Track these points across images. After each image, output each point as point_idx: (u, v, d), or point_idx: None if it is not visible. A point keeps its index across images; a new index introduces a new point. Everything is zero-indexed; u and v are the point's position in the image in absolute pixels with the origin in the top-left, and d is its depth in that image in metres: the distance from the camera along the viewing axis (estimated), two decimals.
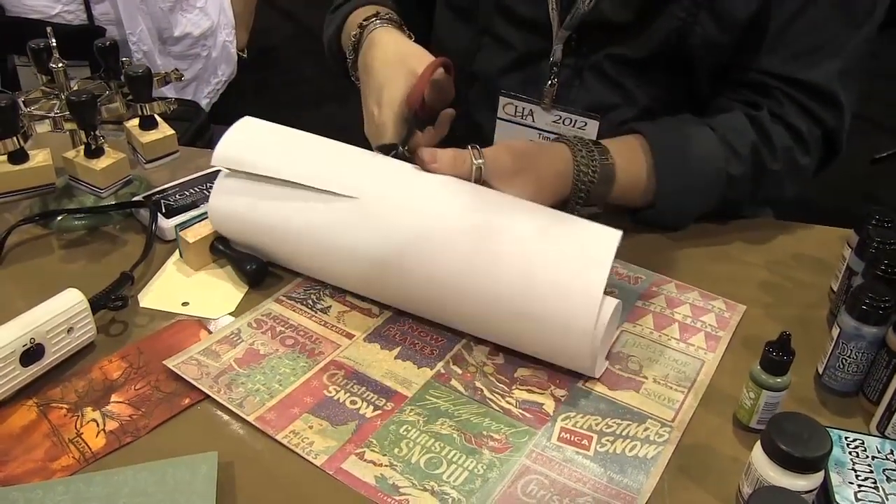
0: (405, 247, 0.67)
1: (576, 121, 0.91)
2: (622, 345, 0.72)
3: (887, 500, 0.56)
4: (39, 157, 0.83)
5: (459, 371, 0.68)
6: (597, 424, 0.64)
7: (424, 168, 0.71)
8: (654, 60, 0.87)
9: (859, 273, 0.71)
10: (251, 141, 0.75)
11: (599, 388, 0.67)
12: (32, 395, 0.65)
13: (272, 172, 0.72)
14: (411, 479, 0.58)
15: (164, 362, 0.65)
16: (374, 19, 0.88)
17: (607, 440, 0.63)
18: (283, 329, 0.70)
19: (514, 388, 0.67)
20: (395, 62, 0.81)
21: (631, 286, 0.79)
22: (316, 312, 0.73)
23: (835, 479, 0.57)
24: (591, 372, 0.67)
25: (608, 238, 0.66)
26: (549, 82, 0.90)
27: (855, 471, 0.58)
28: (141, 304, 0.75)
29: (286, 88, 2.82)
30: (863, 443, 0.60)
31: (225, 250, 0.78)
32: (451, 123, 0.83)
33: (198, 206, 0.85)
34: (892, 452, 0.60)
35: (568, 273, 0.65)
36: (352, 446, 0.60)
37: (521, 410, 0.65)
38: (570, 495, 0.58)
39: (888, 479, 0.57)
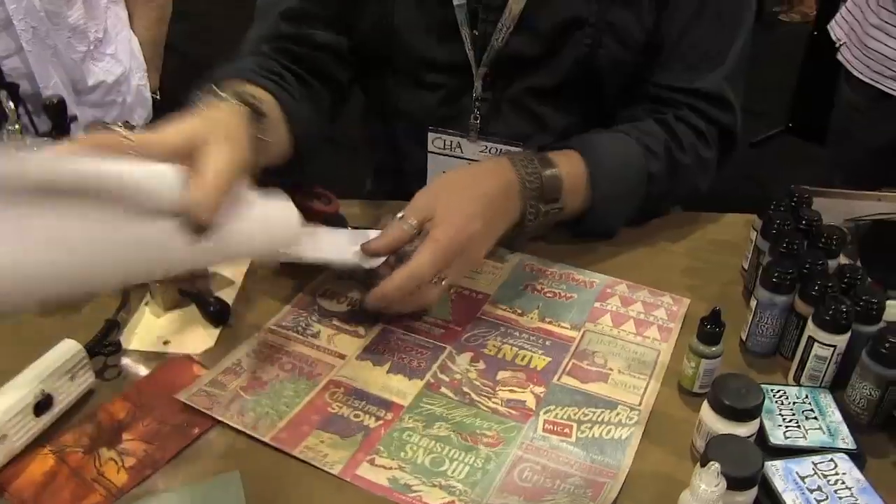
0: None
1: (500, 149, 1.04)
2: (587, 343, 0.83)
3: (807, 433, 0.72)
4: None
5: (447, 379, 0.78)
6: (575, 414, 0.75)
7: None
8: (567, 87, 1.00)
9: (766, 251, 0.86)
10: None
11: (573, 383, 0.78)
12: (45, 444, 0.71)
13: None
14: (420, 478, 0.68)
15: (176, 396, 0.73)
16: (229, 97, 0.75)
17: (586, 427, 0.74)
18: (279, 356, 0.79)
19: (497, 389, 0.77)
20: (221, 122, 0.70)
21: (587, 290, 0.91)
22: (307, 338, 0.82)
23: (767, 424, 0.72)
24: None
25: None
26: (473, 115, 1.02)
27: (782, 415, 0.73)
28: (125, 347, 0.82)
29: None
30: (785, 392, 0.76)
31: (189, 291, 0.86)
32: None
33: None
34: (807, 397, 0.76)
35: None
36: (362, 454, 0.69)
37: (507, 408, 0.75)
38: (560, 477, 0.69)
39: (806, 418, 0.73)
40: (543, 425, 0.74)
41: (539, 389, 0.77)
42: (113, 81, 1.97)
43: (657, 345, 0.84)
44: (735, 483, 0.60)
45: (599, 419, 0.75)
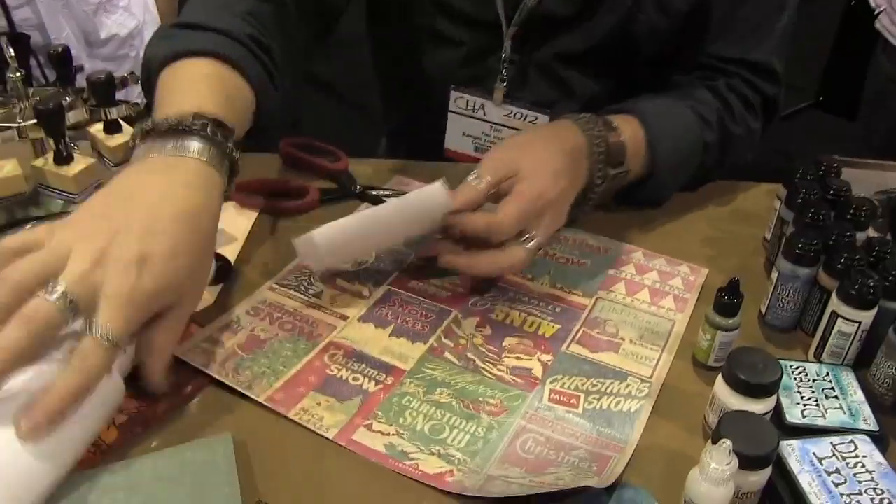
0: None
1: (526, 115, 1.00)
2: (599, 311, 0.80)
3: (826, 413, 0.68)
4: (8, 168, 0.87)
5: (451, 344, 0.75)
6: (582, 384, 0.72)
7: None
8: (600, 52, 0.96)
9: (790, 222, 0.82)
10: None
11: (582, 352, 0.75)
12: None
13: None
14: (418, 445, 0.65)
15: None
16: (194, 134, 0.69)
17: (593, 398, 0.71)
18: (279, 315, 0.76)
19: (503, 356, 0.74)
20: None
21: (601, 256, 0.87)
22: (309, 297, 0.79)
23: (784, 401, 0.68)
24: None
25: None
26: (500, 77, 0.98)
27: (800, 393, 0.70)
28: None
29: None
30: (804, 369, 0.72)
31: None
32: None
33: None
34: (827, 374, 0.72)
35: None
36: (359, 419, 0.67)
37: (512, 376, 0.72)
38: (564, 449, 0.66)
39: (826, 397, 0.70)
40: (549, 395, 0.71)
41: (546, 357, 0.74)
42: (126, 35, 1.95)
43: (672, 315, 0.80)
44: (748, 462, 0.57)
45: (608, 390, 0.72)
